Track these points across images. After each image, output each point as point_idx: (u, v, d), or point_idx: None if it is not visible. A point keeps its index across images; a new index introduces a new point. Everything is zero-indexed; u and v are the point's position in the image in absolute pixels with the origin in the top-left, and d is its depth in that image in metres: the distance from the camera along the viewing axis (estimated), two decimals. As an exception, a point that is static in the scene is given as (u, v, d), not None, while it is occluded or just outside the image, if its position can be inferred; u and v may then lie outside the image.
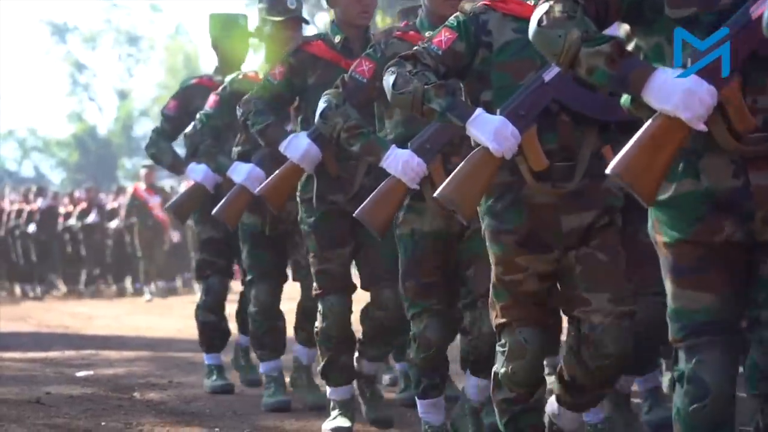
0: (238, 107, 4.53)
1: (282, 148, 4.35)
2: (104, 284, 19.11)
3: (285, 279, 5.47)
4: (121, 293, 18.08)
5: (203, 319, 5.94)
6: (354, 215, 3.83)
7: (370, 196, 3.81)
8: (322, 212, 4.45)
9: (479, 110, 3.16)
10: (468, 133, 3.18)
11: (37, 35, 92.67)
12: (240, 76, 5.41)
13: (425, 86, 3.14)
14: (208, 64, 61.05)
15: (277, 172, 4.44)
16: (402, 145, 3.80)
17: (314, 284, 4.53)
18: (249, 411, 5.25)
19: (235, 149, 5.32)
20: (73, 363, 7.46)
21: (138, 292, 17.50)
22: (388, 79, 3.22)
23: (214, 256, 5.92)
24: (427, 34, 3.71)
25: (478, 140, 3.16)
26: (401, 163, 3.72)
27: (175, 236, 17.13)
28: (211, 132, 5.35)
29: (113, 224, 18.05)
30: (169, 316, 12.55)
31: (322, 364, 4.58)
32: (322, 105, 3.93)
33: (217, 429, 4.74)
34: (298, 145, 4.31)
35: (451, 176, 3.22)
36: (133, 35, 66.06)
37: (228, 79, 5.47)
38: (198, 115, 5.41)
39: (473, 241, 3.78)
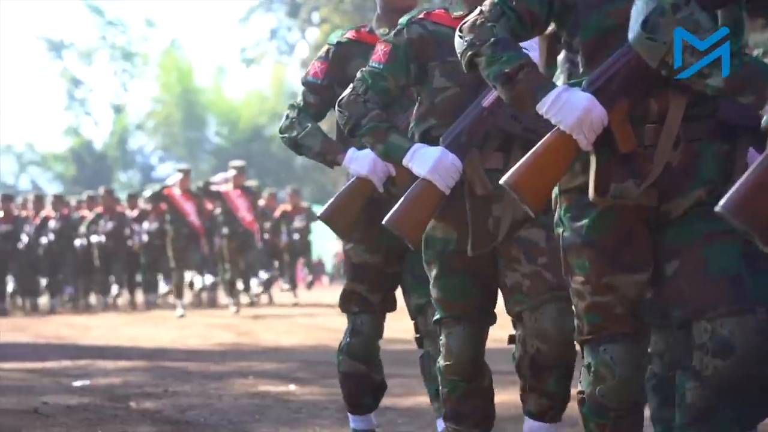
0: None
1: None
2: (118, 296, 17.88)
3: (492, 320, 3.67)
4: (149, 306, 16.84)
5: (348, 369, 4.29)
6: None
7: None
8: None
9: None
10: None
11: (34, 51, 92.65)
12: (421, 15, 3.56)
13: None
14: (202, 78, 60.34)
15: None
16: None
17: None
18: (244, 419, 5.24)
19: (416, 125, 3.51)
20: (70, 373, 7.44)
21: (152, 304, 16.76)
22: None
23: (367, 290, 4.15)
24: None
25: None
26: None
27: (206, 248, 15.79)
28: (381, 98, 3.47)
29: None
30: (164, 326, 12.53)
31: None
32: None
33: (212, 437, 4.72)
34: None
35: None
36: (128, 51, 66.11)
37: (404, 19, 3.56)
38: (360, 73, 3.53)
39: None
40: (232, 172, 14.92)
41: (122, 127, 64.53)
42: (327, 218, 3.89)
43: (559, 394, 3.43)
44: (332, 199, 3.91)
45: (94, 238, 16.85)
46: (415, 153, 3.23)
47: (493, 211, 3.32)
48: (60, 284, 17.60)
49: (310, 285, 18.51)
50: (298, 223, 16.61)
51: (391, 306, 4.25)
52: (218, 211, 14.87)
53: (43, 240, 16.99)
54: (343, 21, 55.86)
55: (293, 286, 17.01)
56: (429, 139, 3.37)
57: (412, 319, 4.17)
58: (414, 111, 3.51)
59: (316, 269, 36.45)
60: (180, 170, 15.36)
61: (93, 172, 55.00)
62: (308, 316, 14.11)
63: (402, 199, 3.26)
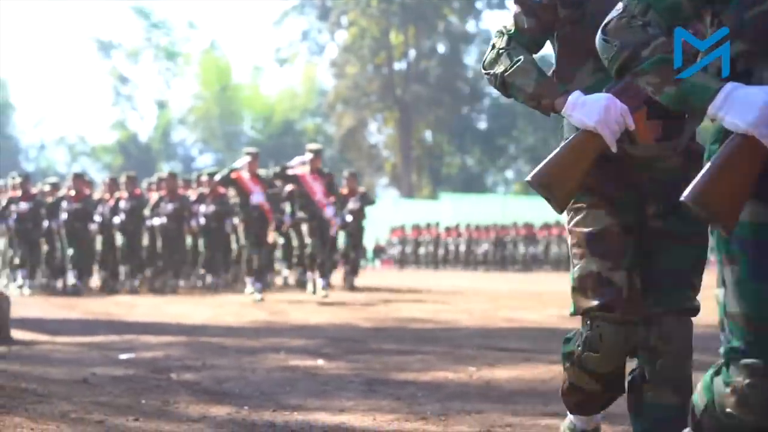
0: None
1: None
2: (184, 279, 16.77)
3: None
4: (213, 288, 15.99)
5: (577, 382, 3.14)
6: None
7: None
8: None
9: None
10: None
11: (85, 51, 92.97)
12: None
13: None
14: (239, 76, 60.37)
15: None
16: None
17: None
18: (275, 391, 5.26)
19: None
20: (117, 347, 7.48)
21: (209, 287, 16.03)
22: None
23: (610, 268, 2.92)
24: None
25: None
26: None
27: (271, 237, 14.51)
28: (668, 19, 2.28)
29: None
30: (202, 305, 12.58)
31: None
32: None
33: (246, 407, 4.74)
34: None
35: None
36: (171, 51, 66.21)
37: None
38: None
39: None
40: (308, 156, 13.59)
41: (165, 121, 64.75)
42: (541, 183, 2.80)
43: None
44: (547, 160, 2.81)
45: (156, 221, 16.09)
46: (728, 95, 2.12)
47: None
48: (140, 265, 16.40)
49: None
50: (352, 205, 15.56)
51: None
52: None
53: (116, 220, 15.99)
54: (370, 24, 55.79)
55: (354, 271, 16.24)
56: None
57: None
58: None
59: (379, 253, 36.31)
60: (248, 153, 13.65)
61: (138, 162, 55.18)
62: (336, 296, 14.15)
63: (708, 169, 2.17)
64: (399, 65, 57.27)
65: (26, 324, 9.24)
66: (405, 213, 37.38)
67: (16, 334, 7.99)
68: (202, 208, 16.12)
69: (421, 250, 33.70)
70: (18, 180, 16.87)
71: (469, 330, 8.93)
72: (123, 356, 6.81)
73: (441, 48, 57.46)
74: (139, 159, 58.98)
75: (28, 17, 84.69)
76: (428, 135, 61.46)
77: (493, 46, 3.01)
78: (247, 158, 13.40)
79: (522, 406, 4.73)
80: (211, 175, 16.48)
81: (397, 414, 4.56)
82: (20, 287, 15.88)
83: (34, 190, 17.05)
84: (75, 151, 67.01)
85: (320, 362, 6.52)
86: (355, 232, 16.08)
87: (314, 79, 63.38)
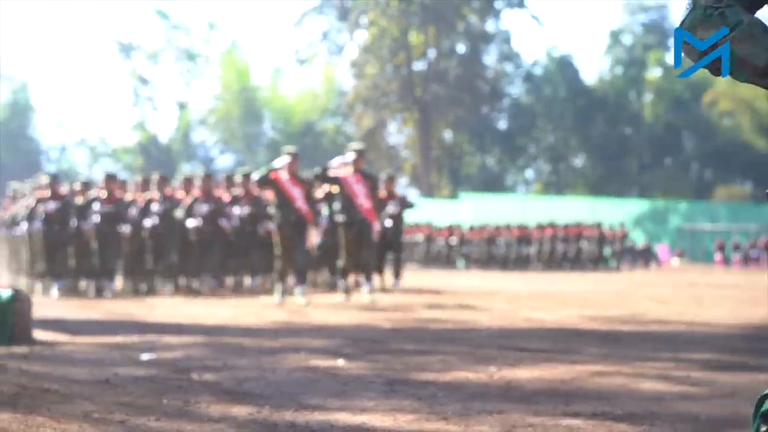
0: None
1: None
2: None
3: None
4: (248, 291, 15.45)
5: None
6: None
7: None
8: None
9: None
10: None
11: (106, 53, 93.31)
12: None
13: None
14: (259, 77, 60.63)
15: None
16: None
17: None
18: (296, 391, 5.26)
19: None
20: (138, 347, 7.50)
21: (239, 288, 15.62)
22: None
23: None
24: None
25: None
26: None
27: (314, 236, 13.92)
28: None
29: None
30: (222, 305, 12.60)
31: None
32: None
33: (267, 407, 4.75)
34: None
35: None
36: (191, 52, 66.43)
37: None
38: None
39: None
40: (351, 156, 12.74)
41: (185, 122, 64.99)
42: None
43: None
44: None
45: (190, 222, 15.39)
46: None
47: None
48: (170, 267, 15.60)
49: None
50: (391, 209, 15.14)
51: None
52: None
53: (147, 223, 15.35)
54: (389, 24, 55.83)
55: (397, 274, 15.56)
56: None
57: None
58: None
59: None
60: (288, 153, 12.85)
61: (159, 163, 55.39)
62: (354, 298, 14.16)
63: None
64: (418, 65, 57.27)
65: (48, 325, 9.30)
66: (425, 213, 37.36)
67: (38, 334, 8.04)
68: (236, 210, 15.61)
69: (442, 250, 33.68)
70: (46, 180, 16.09)
71: (489, 330, 8.92)
72: (144, 357, 6.84)
73: (460, 48, 57.42)
74: (160, 160, 59.24)
75: (49, 19, 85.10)
76: (448, 135, 61.45)
77: (694, 6, 2.10)
78: (287, 158, 12.69)
79: (543, 406, 4.73)
80: (246, 175, 16.07)
81: (418, 414, 4.56)
82: (47, 292, 15.33)
83: (63, 190, 16.25)
84: (96, 152, 67.38)
85: (341, 362, 6.52)
86: (395, 236, 15.69)
87: (334, 80, 63.48)
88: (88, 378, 5.63)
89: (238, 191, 16.03)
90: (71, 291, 15.78)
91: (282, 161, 12.75)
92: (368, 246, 12.70)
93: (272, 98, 64.30)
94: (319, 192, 14.10)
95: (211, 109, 64.48)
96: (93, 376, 5.72)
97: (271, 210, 13.06)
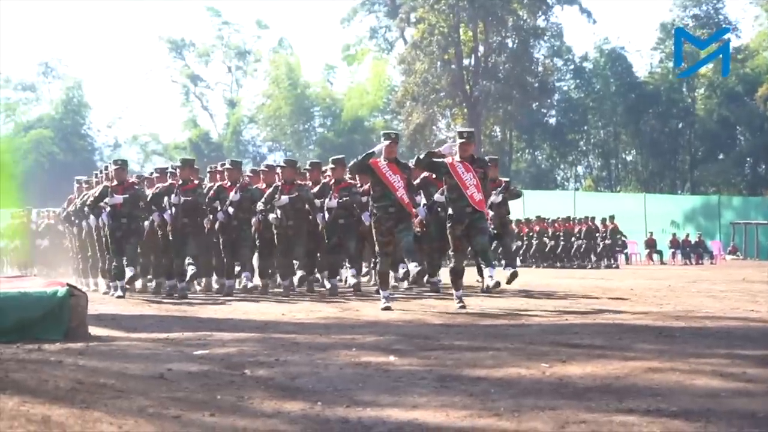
0: None
1: None
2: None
3: None
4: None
5: None
6: None
7: None
8: None
9: None
10: None
11: (158, 51, 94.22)
12: None
13: None
14: (308, 74, 60.67)
15: None
16: None
17: None
18: (348, 387, 5.28)
19: None
20: (191, 343, 7.57)
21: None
22: None
23: None
24: None
25: None
26: None
27: (417, 224, 12.10)
28: None
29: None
30: (273, 301, 12.66)
31: None
32: None
33: (319, 402, 4.77)
34: None
35: None
36: (241, 50, 66.84)
37: None
38: None
39: None
40: (458, 141, 10.87)
41: (236, 119, 65.41)
42: None
43: None
44: None
45: (272, 214, 14.05)
46: None
47: None
48: (245, 262, 14.39)
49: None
50: (492, 198, 13.69)
51: None
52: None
53: (220, 215, 14.24)
54: (439, 20, 55.71)
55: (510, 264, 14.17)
56: None
57: None
58: None
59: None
60: (386, 135, 11.48)
61: (210, 160, 55.81)
62: (403, 293, 14.14)
63: None
64: (468, 61, 57.08)
65: (103, 321, 9.41)
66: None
67: (94, 330, 8.15)
68: (326, 201, 14.07)
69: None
70: (113, 168, 14.67)
71: (540, 326, 8.88)
72: (198, 352, 6.89)
73: (510, 43, 57.13)
74: (211, 157, 59.68)
75: (102, 18, 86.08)
76: (497, 131, 61.20)
77: None
78: (386, 142, 11.28)
79: (596, 403, 4.69)
80: (315, 163, 15.07)
81: (470, 410, 4.55)
82: (112, 292, 14.55)
83: (132, 179, 15.08)
84: (147, 149, 68.07)
85: (392, 358, 6.52)
86: (501, 228, 14.18)
87: (383, 76, 63.50)
88: (143, 373, 5.69)
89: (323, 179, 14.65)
90: (144, 290, 15.75)
91: (381, 146, 11.38)
92: (482, 233, 10.74)
93: (322, 95, 64.49)
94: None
95: (261, 107, 64.82)
96: (148, 371, 5.78)
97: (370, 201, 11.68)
